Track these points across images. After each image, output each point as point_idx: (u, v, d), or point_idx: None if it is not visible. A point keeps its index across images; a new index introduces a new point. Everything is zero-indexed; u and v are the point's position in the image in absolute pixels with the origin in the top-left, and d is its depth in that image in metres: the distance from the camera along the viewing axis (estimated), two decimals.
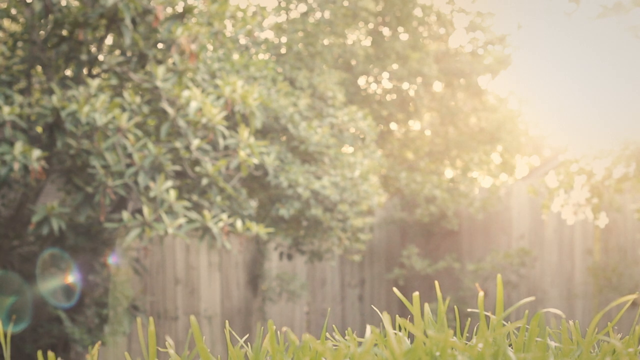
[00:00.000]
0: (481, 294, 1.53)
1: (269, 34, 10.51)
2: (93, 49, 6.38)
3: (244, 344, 1.76)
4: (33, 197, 6.46)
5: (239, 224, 6.13)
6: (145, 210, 5.76)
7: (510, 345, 1.54)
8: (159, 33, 6.17)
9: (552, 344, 1.60)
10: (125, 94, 6.06)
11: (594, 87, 10.56)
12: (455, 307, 1.76)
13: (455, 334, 1.69)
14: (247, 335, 1.80)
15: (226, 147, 6.47)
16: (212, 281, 9.49)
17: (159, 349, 1.66)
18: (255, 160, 6.41)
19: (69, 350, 6.85)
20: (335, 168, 7.99)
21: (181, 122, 6.10)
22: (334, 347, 1.57)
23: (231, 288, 9.71)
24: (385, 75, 12.33)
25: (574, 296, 9.79)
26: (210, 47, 7.23)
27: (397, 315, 1.59)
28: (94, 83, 5.90)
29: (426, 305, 1.64)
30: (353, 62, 11.93)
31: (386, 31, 12.51)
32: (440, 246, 10.62)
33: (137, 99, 6.06)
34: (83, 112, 5.65)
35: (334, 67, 11.28)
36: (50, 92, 6.04)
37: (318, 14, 11.15)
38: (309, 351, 1.48)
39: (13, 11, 6.62)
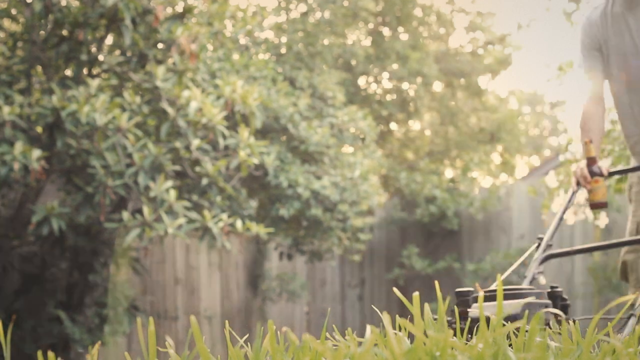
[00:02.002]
0: (481, 294, 1.53)
1: (269, 34, 10.51)
2: (93, 49, 6.38)
3: (243, 344, 1.76)
4: (33, 197, 6.46)
5: (239, 224, 6.13)
6: (145, 210, 5.76)
7: (510, 345, 1.54)
8: (159, 33, 6.17)
9: (552, 344, 1.60)
10: (125, 94, 6.06)
11: None
12: (455, 307, 1.76)
13: (455, 334, 1.69)
14: (247, 335, 1.80)
15: (226, 147, 6.47)
16: (212, 281, 9.49)
17: (159, 349, 1.66)
18: (255, 160, 6.41)
19: (69, 350, 6.85)
20: (335, 168, 7.99)
21: (181, 122, 6.10)
22: (334, 347, 1.57)
23: (231, 288, 9.71)
24: (385, 75, 12.33)
25: (574, 296, 9.80)
26: (210, 47, 7.24)
27: (397, 315, 1.59)
28: (94, 83, 5.90)
29: (426, 305, 1.64)
30: (353, 62, 11.93)
31: (386, 31, 12.51)
32: (440, 246, 10.63)
33: (137, 99, 6.06)
34: (83, 112, 5.65)
35: (334, 67, 11.27)
36: (50, 92, 6.03)
37: (318, 14, 11.15)
38: (309, 351, 1.48)
39: (13, 11, 6.62)
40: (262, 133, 7.76)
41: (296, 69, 9.55)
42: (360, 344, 1.52)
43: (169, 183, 5.90)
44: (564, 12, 10.12)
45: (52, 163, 6.11)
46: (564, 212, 3.40)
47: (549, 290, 2.57)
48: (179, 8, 6.53)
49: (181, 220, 5.77)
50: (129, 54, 6.30)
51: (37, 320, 6.72)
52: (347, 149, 8.90)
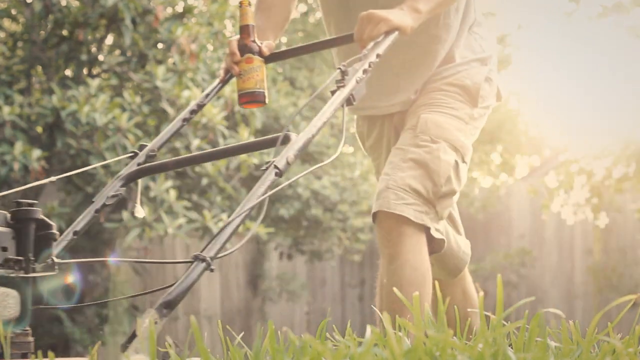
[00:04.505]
0: (481, 294, 1.53)
1: None
2: (93, 49, 6.38)
3: (241, 342, 1.76)
4: (33, 197, 6.46)
5: None
6: (145, 210, 5.76)
7: (510, 345, 1.54)
8: (159, 33, 6.17)
9: (552, 344, 1.60)
10: (125, 94, 6.06)
11: (594, 87, 10.58)
12: (455, 307, 1.76)
13: (455, 334, 1.69)
14: (243, 333, 1.79)
15: None
16: (212, 281, 9.49)
17: (159, 349, 1.66)
18: (255, 160, 6.41)
19: (69, 350, 6.85)
20: (335, 168, 7.99)
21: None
22: (334, 347, 1.57)
23: (231, 288, 9.71)
24: None
25: (574, 296, 9.79)
26: (210, 47, 7.23)
27: (397, 315, 1.59)
28: (94, 83, 5.90)
29: (426, 305, 1.64)
30: None
31: None
32: None
33: (137, 99, 6.06)
34: (83, 112, 5.65)
35: (334, 67, 11.27)
36: (50, 92, 6.04)
37: (318, 14, 11.14)
38: (309, 351, 1.48)
39: (13, 11, 6.62)
40: (262, 133, 7.77)
41: (296, 69, 9.55)
42: (360, 344, 1.52)
43: (169, 183, 5.89)
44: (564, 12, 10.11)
45: (52, 163, 6.11)
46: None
47: (14, 210, 1.76)
48: (179, 8, 6.53)
49: (181, 220, 5.77)
50: (129, 54, 6.30)
51: (37, 320, 6.72)
52: (347, 149, 8.90)
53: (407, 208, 2.35)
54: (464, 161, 2.46)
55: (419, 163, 2.39)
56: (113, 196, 2.24)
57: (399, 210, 2.35)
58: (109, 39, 6.64)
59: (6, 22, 6.81)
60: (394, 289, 1.78)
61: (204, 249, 1.71)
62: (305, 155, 7.91)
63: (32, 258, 1.80)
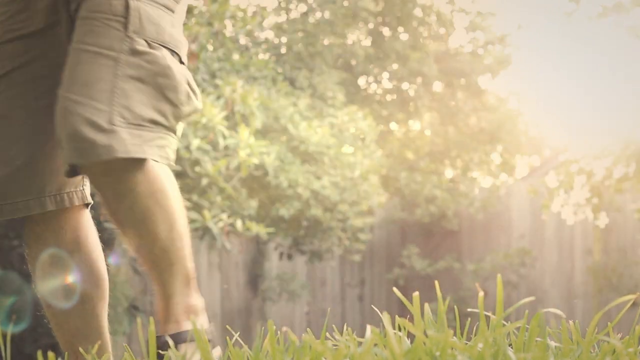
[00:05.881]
0: (481, 294, 1.53)
1: (269, 34, 10.51)
2: None
3: (239, 340, 1.76)
4: None
5: (239, 224, 6.13)
6: None
7: (510, 345, 1.54)
8: None
9: (552, 344, 1.60)
10: None
11: (594, 87, 10.58)
12: (455, 307, 1.76)
13: (455, 334, 1.69)
14: (247, 335, 1.79)
15: (226, 147, 6.47)
16: (212, 281, 9.49)
17: (159, 352, 1.66)
18: (255, 160, 6.41)
19: None
20: (335, 168, 7.99)
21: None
22: (334, 347, 1.57)
23: (231, 288, 9.71)
24: (385, 75, 12.33)
25: (574, 296, 9.80)
26: (210, 47, 7.23)
27: (397, 315, 1.59)
28: None
29: (426, 305, 1.64)
30: (353, 62, 11.93)
31: (386, 31, 12.51)
32: (440, 246, 10.63)
33: None
34: None
35: (334, 67, 11.28)
36: None
37: (318, 14, 11.15)
38: (309, 351, 1.48)
39: None
40: (262, 133, 7.77)
41: (296, 69, 9.55)
42: (360, 344, 1.52)
43: None
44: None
45: None
46: None
47: None
48: None
49: None
50: None
51: (37, 320, 6.72)
52: (347, 149, 8.90)
53: (150, 148, 1.81)
54: (182, 62, 1.86)
55: (144, 81, 1.76)
56: None
57: (142, 153, 1.78)
58: None
59: None
60: (395, 289, 1.78)
61: None
62: (305, 155, 7.91)
63: None
